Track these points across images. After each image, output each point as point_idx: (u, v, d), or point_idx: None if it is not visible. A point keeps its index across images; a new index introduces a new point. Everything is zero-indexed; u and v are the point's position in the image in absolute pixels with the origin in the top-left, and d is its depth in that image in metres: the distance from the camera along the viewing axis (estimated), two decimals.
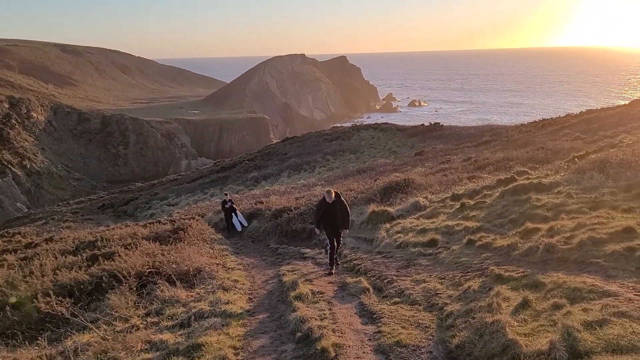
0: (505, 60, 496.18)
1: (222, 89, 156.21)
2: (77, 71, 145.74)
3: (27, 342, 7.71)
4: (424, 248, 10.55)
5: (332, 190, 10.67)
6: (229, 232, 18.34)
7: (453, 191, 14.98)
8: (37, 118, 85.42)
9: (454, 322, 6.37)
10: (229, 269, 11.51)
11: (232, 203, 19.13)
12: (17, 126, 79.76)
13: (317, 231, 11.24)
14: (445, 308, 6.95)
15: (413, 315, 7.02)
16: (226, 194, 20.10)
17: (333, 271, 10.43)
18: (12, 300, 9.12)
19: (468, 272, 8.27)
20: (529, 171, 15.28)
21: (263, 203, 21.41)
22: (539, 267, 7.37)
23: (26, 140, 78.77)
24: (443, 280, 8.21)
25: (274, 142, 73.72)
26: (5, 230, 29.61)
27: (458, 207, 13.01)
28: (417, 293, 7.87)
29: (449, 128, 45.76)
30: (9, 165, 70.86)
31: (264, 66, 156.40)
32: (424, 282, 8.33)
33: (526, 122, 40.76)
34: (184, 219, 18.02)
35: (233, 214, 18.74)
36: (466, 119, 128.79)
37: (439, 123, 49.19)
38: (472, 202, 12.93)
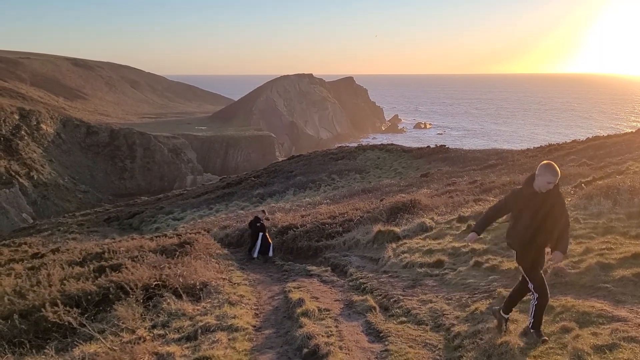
0: (514, 86, 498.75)
1: (230, 106, 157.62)
2: (87, 85, 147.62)
3: (34, 351, 7.74)
4: (430, 269, 10.56)
5: (555, 166, 5.37)
6: (249, 255, 16.32)
7: (459, 213, 14.99)
8: (47, 130, 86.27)
9: (461, 342, 6.38)
10: (234, 284, 11.52)
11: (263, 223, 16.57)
12: (26, 137, 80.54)
13: (473, 237, 5.92)
14: (452, 329, 6.95)
15: (420, 335, 7.02)
16: (263, 211, 17.74)
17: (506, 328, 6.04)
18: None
19: (475, 293, 8.28)
20: None
21: (269, 220, 21.47)
22: None
23: (34, 151, 79.46)
24: (450, 301, 8.21)
25: (280, 160, 74.09)
26: (12, 240, 29.75)
27: (464, 229, 13.02)
28: (424, 313, 7.87)
29: (455, 151, 45.88)
30: (17, 176, 71.36)
31: (271, 85, 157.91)
32: (431, 303, 8.34)
33: (532, 147, 40.85)
34: (190, 234, 18.07)
35: (261, 234, 16.27)
36: (471, 142, 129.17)
37: (445, 145, 49.34)
38: None
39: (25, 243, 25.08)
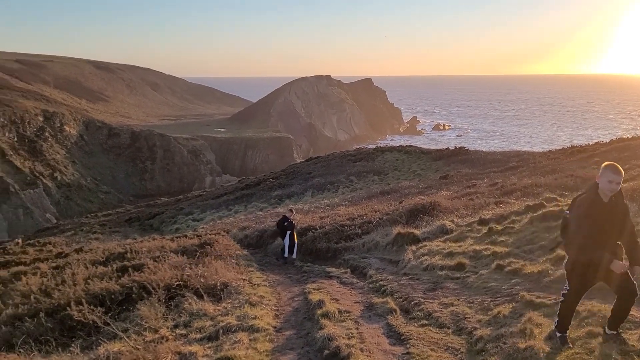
0: (535, 87, 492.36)
1: (248, 108, 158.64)
2: (109, 87, 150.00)
3: (60, 349, 7.87)
4: (451, 271, 10.48)
5: (617, 165, 5.12)
6: (282, 256, 16.17)
7: (480, 215, 14.84)
8: (70, 132, 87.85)
9: (484, 346, 6.32)
10: (254, 284, 11.59)
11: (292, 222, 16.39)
12: (50, 139, 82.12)
13: (620, 264, 5.02)
14: (474, 332, 6.89)
15: (442, 338, 6.97)
16: (291, 210, 17.73)
17: None
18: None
19: (497, 297, 8.20)
20: (558, 198, 15.06)
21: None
22: None
23: (58, 152, 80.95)
24: (472, 305, 8.14)
25: (298, 162, 74.22)
26: (36, 239, 30.36)
27: (485, 231, 12.90)
28: (445, 316, 7.82)
29: (475, 152, 45.46)
30: (41, 177, 72.79)
31: (289, 87, 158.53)
32: (452, 306, 8.28)
33: (554, 149, 40.29)
34: (210, 234, 18.22)
35: (289, 232, 16.12)
36: (491, 144, 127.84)
37: (464, 147, 48.92)
38: (500, 227, 12.81)
39: (50, 243, 25.58)
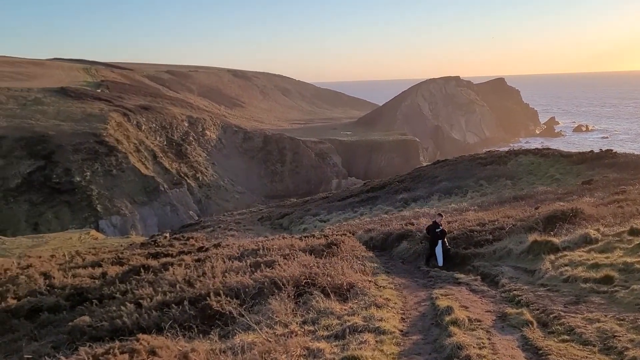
0: None
1: (374, 111, 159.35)
2: (244, 94, 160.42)
3: (201, 335, 8.52)
4: (597, 285, 9.55)
5: None
6: (429, 263, 15.50)
7: (631, 225, 13.34)
8: (210, 136, 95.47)
9: None
10: (380, 287, 11.56)
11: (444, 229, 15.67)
12: (193, 143, 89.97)
13: None
14: (626, 352, 6.21)
15: (586, 356, 6.38)
16: (440, 215, 17.01)
17: None
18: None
19: None
20: None
21: (413, 225, 21.16)
22: None
23: (200, 155, 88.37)
24: (622, 322, 7.34)
25: (424, 165, 72.78)
26: (181, 234, 33.42)
27: (638, 242, 11.57)
28: (590, 333, 7.13)
29: (624, 156, 40.93)
30: (185, 177, 79.97)
31: (416, 89, 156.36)
32: (598, 322, 7.53)
33: None
34: (336, 235, 18.54)
35: (440, 241, 15.39)
36: None
37: (612, 150, 44.34)
38: None
39: (192, 237, 27.94)
